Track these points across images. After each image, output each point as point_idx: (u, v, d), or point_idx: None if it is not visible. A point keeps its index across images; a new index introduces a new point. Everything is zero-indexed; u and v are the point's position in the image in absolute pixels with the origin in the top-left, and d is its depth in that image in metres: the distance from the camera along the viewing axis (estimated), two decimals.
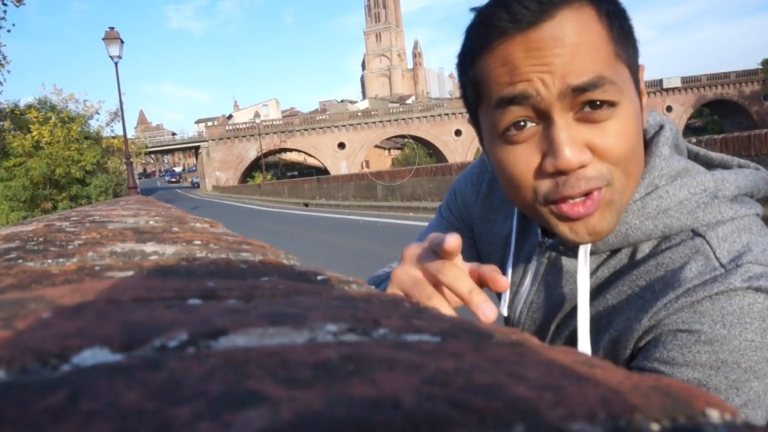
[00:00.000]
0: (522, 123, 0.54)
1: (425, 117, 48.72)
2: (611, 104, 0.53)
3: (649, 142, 0.62)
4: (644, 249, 0.59)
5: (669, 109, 51.13)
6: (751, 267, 0.52)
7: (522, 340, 0.24)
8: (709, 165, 0.66)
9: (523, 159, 0.55)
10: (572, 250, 0.63)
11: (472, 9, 0.57)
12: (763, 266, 0.53)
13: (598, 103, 0.52)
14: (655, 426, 0.14)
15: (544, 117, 0.53)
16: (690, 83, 51.91)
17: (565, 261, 0.65)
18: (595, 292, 0.62)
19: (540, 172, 0.55)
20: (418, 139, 52.13)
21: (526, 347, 0.22)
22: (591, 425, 0.14)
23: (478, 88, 0.58)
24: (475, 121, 0.64)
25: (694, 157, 0.66)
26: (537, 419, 0.14)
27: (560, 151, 0.52)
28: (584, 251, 0.60)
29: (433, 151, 52.46)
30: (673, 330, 0.53)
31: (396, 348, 0.20)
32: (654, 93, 51.16)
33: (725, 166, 0.65)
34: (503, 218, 0.76)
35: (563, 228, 0.56)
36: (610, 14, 0.54)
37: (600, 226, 0.55)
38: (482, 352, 0.20)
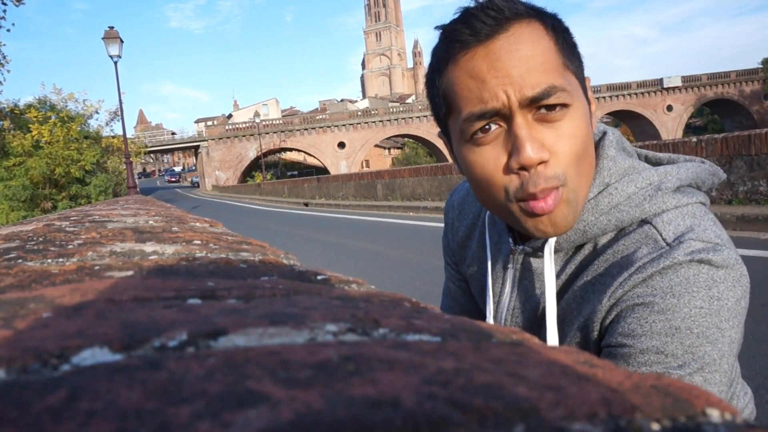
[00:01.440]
0: (487, 126, 0.60)
1: (425, 116, 48.67)
2: (564, 105, 0.59)
3: (596, 147, 0.68)
4: (603, 242, 0.66)
5: (669, 108, 51.11)
6: (692, 243, 0.59)
7: (522, 339, 0.24)
8: (659, 164, 0.72)
9: (491, 159, 0.61)
10: (541, 251, 0.69)
11: (437, 27, 0.64)
12: (704, 242, 0.59)
13: (552, 105, 0.59)
14: (655, 426, 0.14)
15: (507, 120, 0.60)
16: (690, 82, 51.86)
17: (536, 263, 0.71)
18: (565, 287, 0.68)
19: (507, 170, 0.60)
20: (418, 139, 52.08)
21: (526, 347, 0.22)
22: (591, 425, 0.14)
23: (448, 101, 0.64)
24: (444, 131, 0.69)
25: (644, 158, 0.73)
26: (537, 419, 0.14)
27: (522, 148, 0.58)
28: (549, 249, 0.66)
29: (432, 151, 52.42)
30: (631, 305, 0.59)
31: (396, 348, 0.20)
32: (654, 92, 51.14)
33: (672, 163, 0.71)
34: (476, 240, 0.83)
35: (530, 223, 0.62)
36: (555, 29, 0.61)
37: (560, 221, 0.61)
38: (482, 352, 0.20)
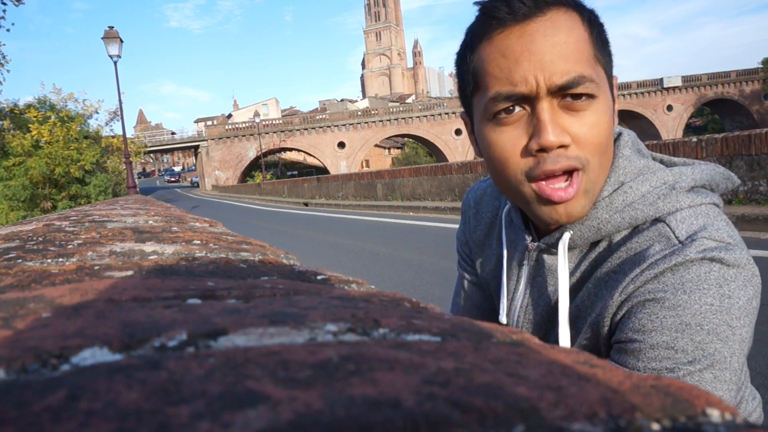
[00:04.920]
0: (511, 108, 0.62)
1: (425, 116, 48.66)
2: (590, 96, 0.60)
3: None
4: (617, 239, 0.66)
5: (670, 108, 51.08)
6: (705, 241, 0.59)
7: (522, 339, 0.24)
8: (673, 166, 0.72)
9: (511, 139, 0.62)
10: (555, 247, 0.70)
11: (475, 3, 0.65)
12: (716, 241, 0.59)
13: (578, 93, 0.60)
14: (655, 425, 0.14)
15: (531, 102, 0.61)
16: (690, 82, 51.83)
17: (550, 259, 0.71)
18: (579, 284, 0.68)
19: (525, 152, 0.62)
20: (418, 139, 52.06)
21: (526, 347, 0.22)
22: (591, 425, 0.14)
23: (477, 78, 0.64)
24: (468, 111, 0.70)
25: (659, 161, 0.73)
26: (537, 419, 0.14)
27: (544, 130, 0.59)
28: (563, 245, 0.68)
29: (432, 151, 52.41)
30: (642, 301, 0.59)
31: (396, 348, 0.20)
32: (654, 92, 51.11)
33: (687, 165, 0.71)
34: (494, 239, 0.84)
35: (545, 210, 0.63)
36: (591, 21, 0.63)
37: (575, 211, 0.63)
38: (482, 352, 0.20)
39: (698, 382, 0.56)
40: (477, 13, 0.64)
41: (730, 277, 0.57)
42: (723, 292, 0.56)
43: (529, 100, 0.60)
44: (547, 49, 0.58)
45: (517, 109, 0.61)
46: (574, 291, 0.68)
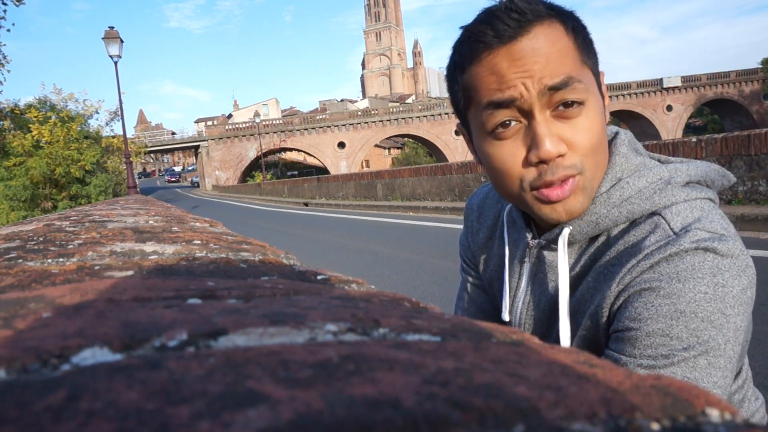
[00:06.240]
0: (508, 122, 0.64)
1: (425, 116, 48.65)
2: (580, 103, 0.62)
3: (609, 145, 0.72)
4: (615, 233, 0.68)
5: (669, 108, 51.07)
6: (698, 232, 0.61)
7: (522, 339, 0.24)
8: (668, 164, 0.74)
9: (510, 153, 0.65)
10: (555, 243, 0.71)
11: (461, 27, 0.67)
12: (710, 232, 0.61)
13: (569, 102, 0.62)
14: (655, 425, 0.14)
15: (526, 116, 0.63)
16: (690, 82, 51.83)
17: (550, 256, 0.73)
18: (579, 279, 0.69)
19: (525, 163, 0.64)
20: (418, 139, 52.05)
21: (526, 347, 0.22)
22: (591, 425, 0.14)
23: (468, 94, 0.67)
24: (464, 123, 0.72)
25: (656, 159, 0.75)
26: (537, 419, 0.14)
27: (542, 143, 0.61)
28: (563, 241, 0.69)
29: (432, 151, 52.41)
30: (638, 290, 0.61)
31: (396, 348, 0.20)
32: (654, 92, 51.11)
33: (681, 163, 0.73)
34: (496, 240, 0.86)
35: (545, 209, 0.66)
36: (575, 29, 0.64)
37: (574, 207, 0.65)
38: (482, 351, 0.20)
39: (693, 368, 0.57)
40: (463, 37, 0.66)
41: (723, 267, 0.58)
42: (717, 281, 0.58)
43: (522, 111, 0.62)
44: (535, 60, 0.61)
45: (513, 123, 0.63)
46: (574, 285, 0.69)
